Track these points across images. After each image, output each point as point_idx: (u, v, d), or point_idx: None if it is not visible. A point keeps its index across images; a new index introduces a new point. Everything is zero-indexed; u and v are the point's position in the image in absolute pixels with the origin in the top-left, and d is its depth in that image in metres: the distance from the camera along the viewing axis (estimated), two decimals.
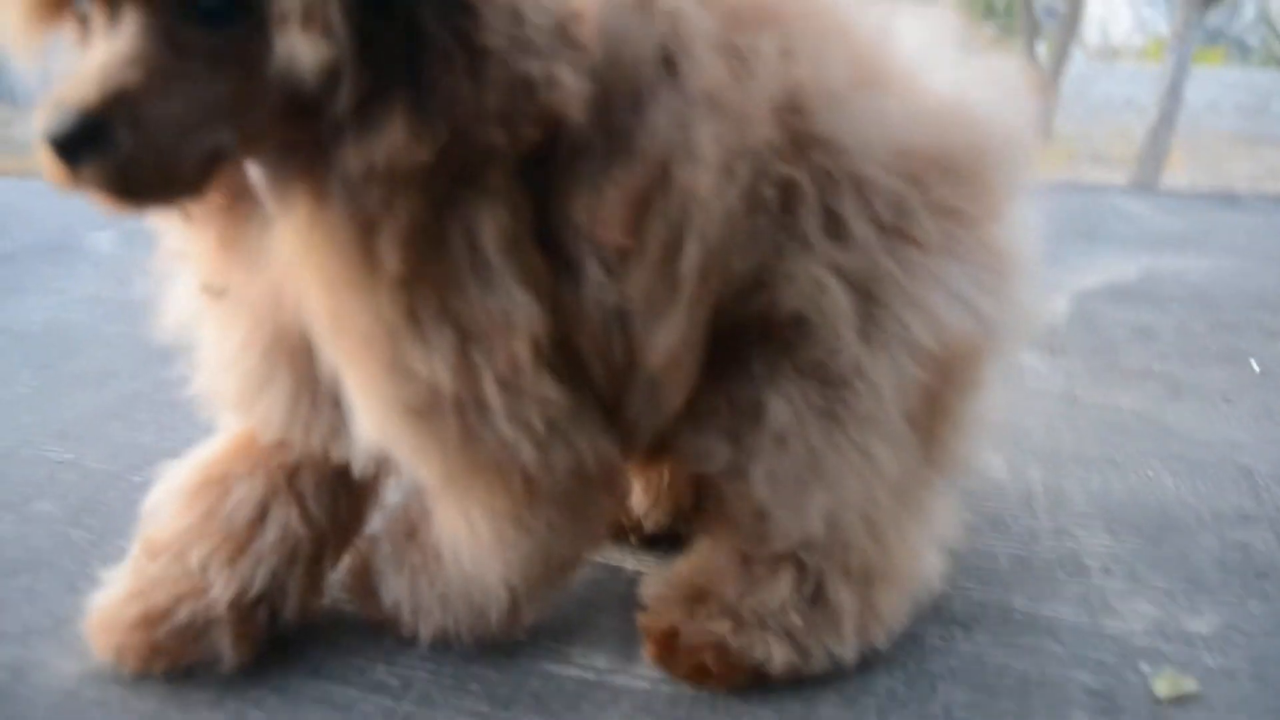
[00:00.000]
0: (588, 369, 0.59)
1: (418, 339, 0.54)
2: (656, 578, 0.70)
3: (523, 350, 0.54)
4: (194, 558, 0.64)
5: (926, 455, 0.62)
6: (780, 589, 0.63)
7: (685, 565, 0.68)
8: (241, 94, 0.47)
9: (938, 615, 0.72)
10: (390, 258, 0.51)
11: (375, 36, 0.46)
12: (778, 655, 0.63)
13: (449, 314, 0.54)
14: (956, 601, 0.74)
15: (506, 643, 0.68)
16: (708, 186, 0.54)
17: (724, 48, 0.54)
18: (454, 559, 0.64)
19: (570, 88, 0.51)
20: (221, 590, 0.63)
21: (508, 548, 0.62)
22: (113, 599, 0.65)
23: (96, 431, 1.05)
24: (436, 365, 0.54)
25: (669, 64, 0.54)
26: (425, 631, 0.67)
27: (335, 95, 0.46)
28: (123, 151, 0.45)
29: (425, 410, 0.56)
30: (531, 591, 0.65)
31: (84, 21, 0.49)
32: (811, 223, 0.56)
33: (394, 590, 0.67)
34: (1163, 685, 0.67)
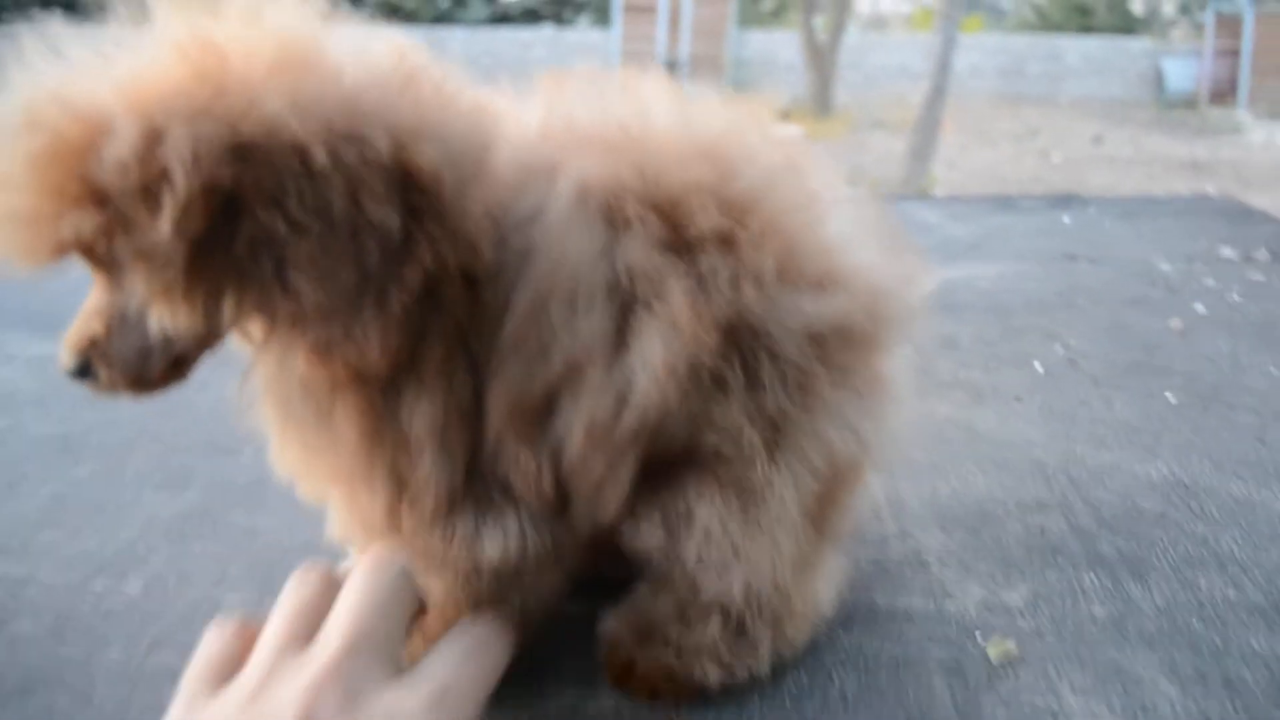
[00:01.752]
0: (516, 493, 0.74)
1: (366, 485, 0.71)
2: (610, 621, 0.86)
3: (431, 504, 0.71)
4: None
5: (820, 534, 0.81)
6: (711, 629, 0.80)
7: (631, 610, 0.85)
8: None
9: (822, 619, 0.92)
10: (346, 430, 0.68)
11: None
12: (712, 675, 0.81)
13: (391, 471, 0.70)
14: (835, 606, 0.93)
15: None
16: (647, 389, 0.68)
17: (690, 274, 0.68)
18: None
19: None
20: None
21: (456, 601, 0.77)
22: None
23: (33, 543, 1.08)
24: (375, 506, 0.72)
25: (612, 292, 0.67)
26: None
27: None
28: (103, 380, 0.65)
29: (370, 529, 0.75)
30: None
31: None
32: (735, 385, 0.71)
33: None
34: (993, 651, 0.89)
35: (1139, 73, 17.07)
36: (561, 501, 0.75)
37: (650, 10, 16.51)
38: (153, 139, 0.55)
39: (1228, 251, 2.17)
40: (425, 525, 0.72)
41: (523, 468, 0.71)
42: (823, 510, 0.80)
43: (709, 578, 0.78)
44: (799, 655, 0.87)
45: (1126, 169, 10.19)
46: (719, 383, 0.72)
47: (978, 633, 0.91)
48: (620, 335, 0.68)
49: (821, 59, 14.22)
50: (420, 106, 0.64)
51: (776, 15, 21.90)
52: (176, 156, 0.54)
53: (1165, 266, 2.02)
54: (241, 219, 0.57)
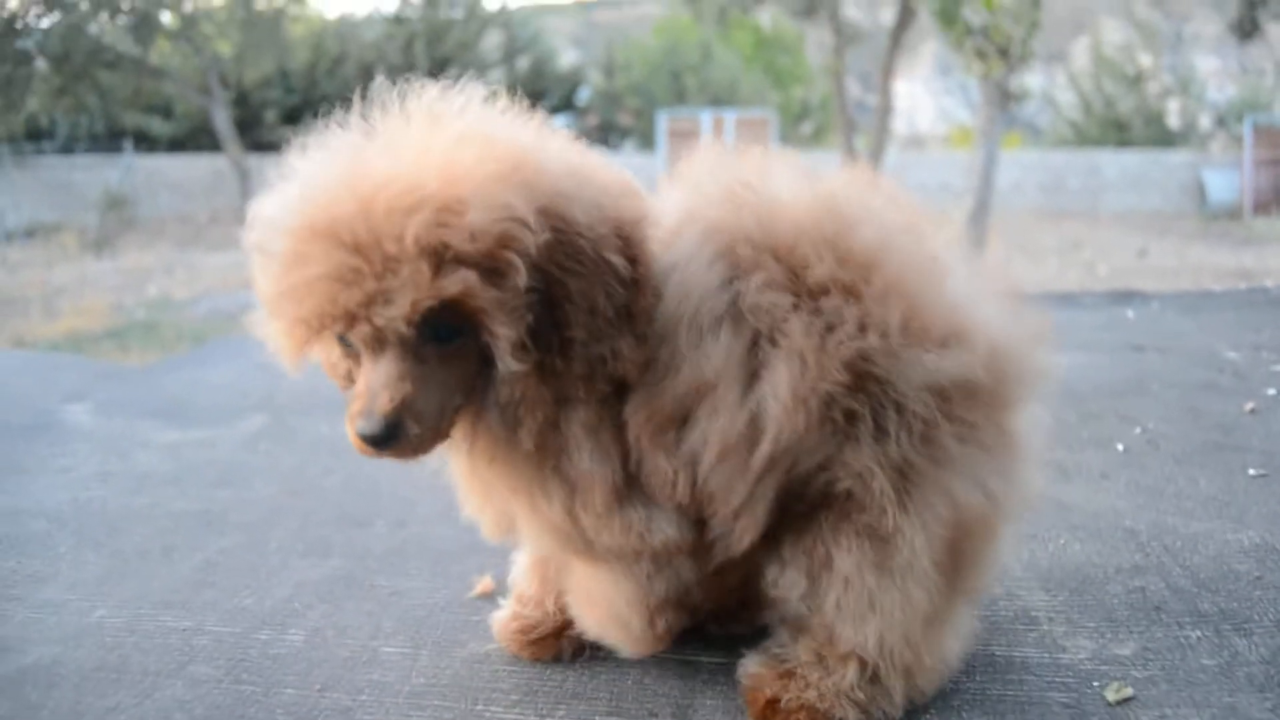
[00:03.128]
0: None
1: (543, 491, 0.82)
2: (751, 663, 0.92)
3: (602, 499, 0.82)
4: (546, 602, 1.02)
5: (951, 588, 0.86)
6: (849, 676, 0.87)
7: (771, 653, 0.92)
8: (461, 375, 0.76)
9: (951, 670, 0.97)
10: (526, 438, 0.79)
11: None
12: (851, 715, 0.88)
13: (560, 473, 0.82)
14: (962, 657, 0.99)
15: None
16: (779, 411, 0.78)
17: (814, 313, 0.79)
18: (599, 596, 0.92)
19: (629, 358, 0.78)
20: (558, 619, 1.01)
21: (621, 587, 0.90)
22: (504, 620, 1.04)
23: (195, 600, 1.18)
24: (552, 508, 0.82)
25: (735, 321, 0.80)
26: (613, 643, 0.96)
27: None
28: (413, 437, 0.74)
29: (556, 533, 0.85)
30: (653, 614, 0.92)
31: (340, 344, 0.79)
32: (864, 430, 0.81)
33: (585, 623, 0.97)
34: (1110, 693, 0.94)
35: (1179, 184, 17.20)
36: (698, 522, 0.85)
37: (693, 135, 17.11)
38: (503, 211, 0.70)
39: None
40: (600, 518, 0.82)
41: (659, 473, 0.82)
42: (953, 562, 0.86)
43: (846, 628, 0.85)
44: (929, 699, 0.93)
45: (1174, 279, 10.18)
46: (850, 423, 0.80)
47: (1094, 680, 0.96)
48: (751, 366, 0.80)
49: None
50: (604, 182, 0.79)
51: (815, 137, 22.54)
52: (522, 224, 0.70)
53: (1231, 354, 2.08)
54: (540, 273, 0.73)
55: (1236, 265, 11.01)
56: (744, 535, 0.85)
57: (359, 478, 1.55)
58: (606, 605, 0.92)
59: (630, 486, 0.83)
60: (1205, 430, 1.65)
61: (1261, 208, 15.60)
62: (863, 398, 0.80)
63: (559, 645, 1.01)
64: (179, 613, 1.15)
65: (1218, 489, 1.42)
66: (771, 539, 0.87)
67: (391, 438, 0.73)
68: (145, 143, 16.49)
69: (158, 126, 16.95)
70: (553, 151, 0.77)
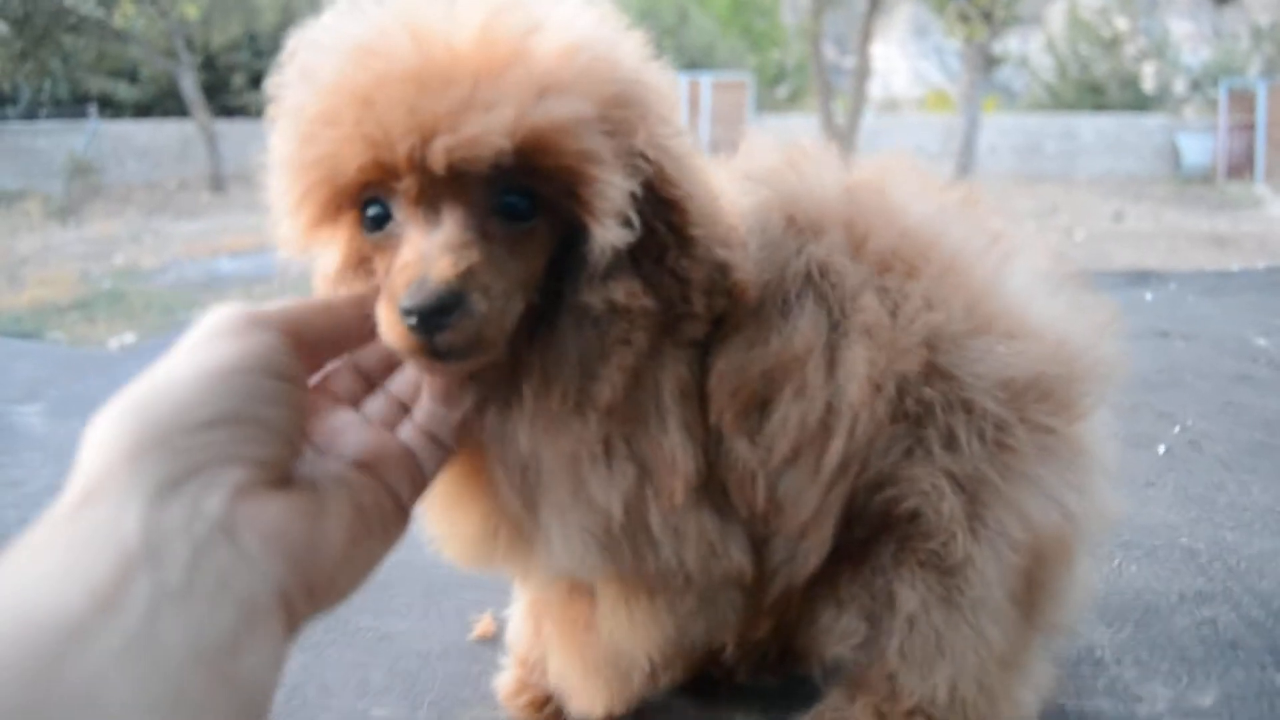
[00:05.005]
0: (735, 503, 0.72)
1: (604, 469, 0.66)
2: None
3: (681, 489, 0.67)
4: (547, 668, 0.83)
5: (1028, 624, 0.76)
6: None
7: (825, 711, 0.80)
8: (526, 274, 0.60)
9: None
10: (605, 389, 0.63)
11: None
12: None
13: (633, 448, 0.66)
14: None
15: None
16: (856, 397, 0.68)
17: (880, 290, 0.70)
18: (607, 635, 0.77)
19: (751, 272, 0.66)
20: None
21: (653, 627, 0.75)
22: (510, 690, 0.89)
23: None
24: (612, 496, 0.66)
25: (817, 290, 0.69)
26: (582, 699, 0.80)
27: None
28: (479, 314, 0.56)
29: (602, 536, 0.68)
30: (668, 662, 0.78)
31: (357, 224, 0.62)
32: (933, 436, 0.71)
33: (556, 665, 0.81)
34: None
35: (1154, 149, 17.21)
36: (763, 539, 0.73)
37: None
38: (620, 69, 0.61)
39: None
40: (672, 517, 0.68)
41: (740, 466, 0.69)
42: (1030, 595, 0.75)
43: (911, 677, 0.73)
44: None
45: (1150, 243, 10.21)
46: (920, 424, 0.70)
47: None
48: (831, 347, 0.69)
49: (840, 141, 14.43)
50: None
51: (792, 100, 22.36)
52: (641, 86, 0.61)
53: (1261, 341, 1.99)
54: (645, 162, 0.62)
55: (1211, 230, 11.04)
56: (809, 559, 0.73)
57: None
58: (606, 647, 0.78)
59: (706, 491, 0.70)
60: (1249, 428, 1.55)
61: (1235, 172, 15.67)
62: (931, 404, 0.70)
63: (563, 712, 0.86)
64: None
65: (1273, 498, 1.32)
66: (824, 575, 0.76)
67: (452, 310, 0.55)
68: (111, 108, 16.13)
69: (123, 91, 16.58)
70: None
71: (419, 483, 0.64)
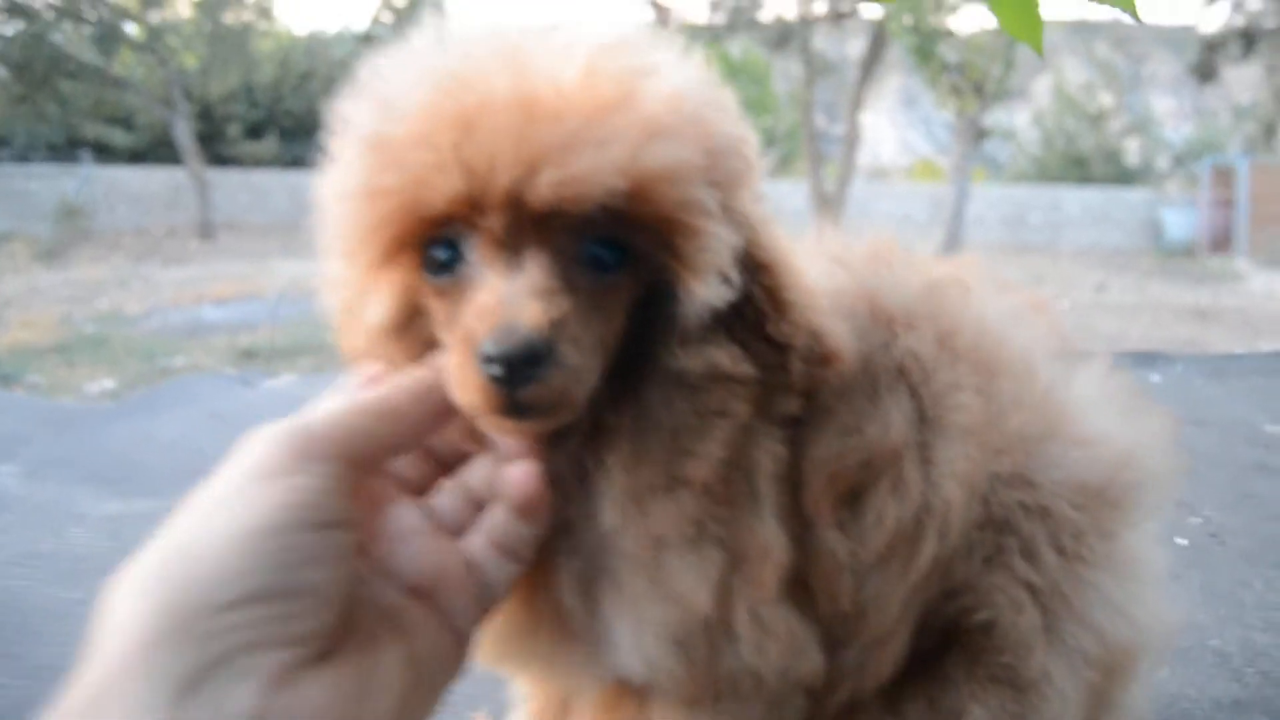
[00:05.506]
0: (816, 602, 0.66)
1: (692, 555, 0.59)
2: None
3: (772, 580, 0.61)
4: None
5: None
6: None
7: None
8: (609, 328, 0.55)
9: None
10: (701, 465, 0.57)
11: None
12: None
13: (724, 534, 0.59)
14: None
15: None
16: (952, 497, 0.64)
17: (977, 390, 0.66)
18: None
19: (847, 339, 0.61)
20: None
21: None
22: None
23: None
24: (699, 585, 0.59)
25: (910, 384, 0.66)
26: None
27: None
28: (569, 367, 0.50)
29: (679, 632, 0.60)
30: None
31: (418, 268, 0.56)
32: (1013, 544, 0.67)
33: None
34: None
35: (1138, 222, 17.46)
36: (836, 642, 0.67)
37: None
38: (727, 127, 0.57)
39: None
40: (760, 609, 0.61)
41: (829, 560, 0.63)
42: (1096, 712, 0.71)
43: None
44: None
45: (1133, 315, 10.28)
46: (1002, 531, 0.67)
47: None
48: (923, 444, 0.65)
49: (829, 207, 14.58)
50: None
51: (783, 166, 22.61)
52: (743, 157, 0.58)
53: (1272, 429, 1.95)
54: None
55: (1194, 303, 11.15)
56: (882, 668, 0.68)
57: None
58: None
59: (791, 586, 0.63)
60: (1269, 522, 1.51)
61: (1217, 246, 15.89)
62: (1014, 497, 0.67)
63: None
64: None
65: None
66: (886, 690, 0.71)
67: (541, 360, 0.49)
68: (105, 154, 16.17)
69: (118, 138, 16.65)
70: None
71: (483, 606, 0.57)
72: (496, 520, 0.58)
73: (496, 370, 0.49)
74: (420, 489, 0.60)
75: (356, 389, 0.57)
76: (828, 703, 0.70)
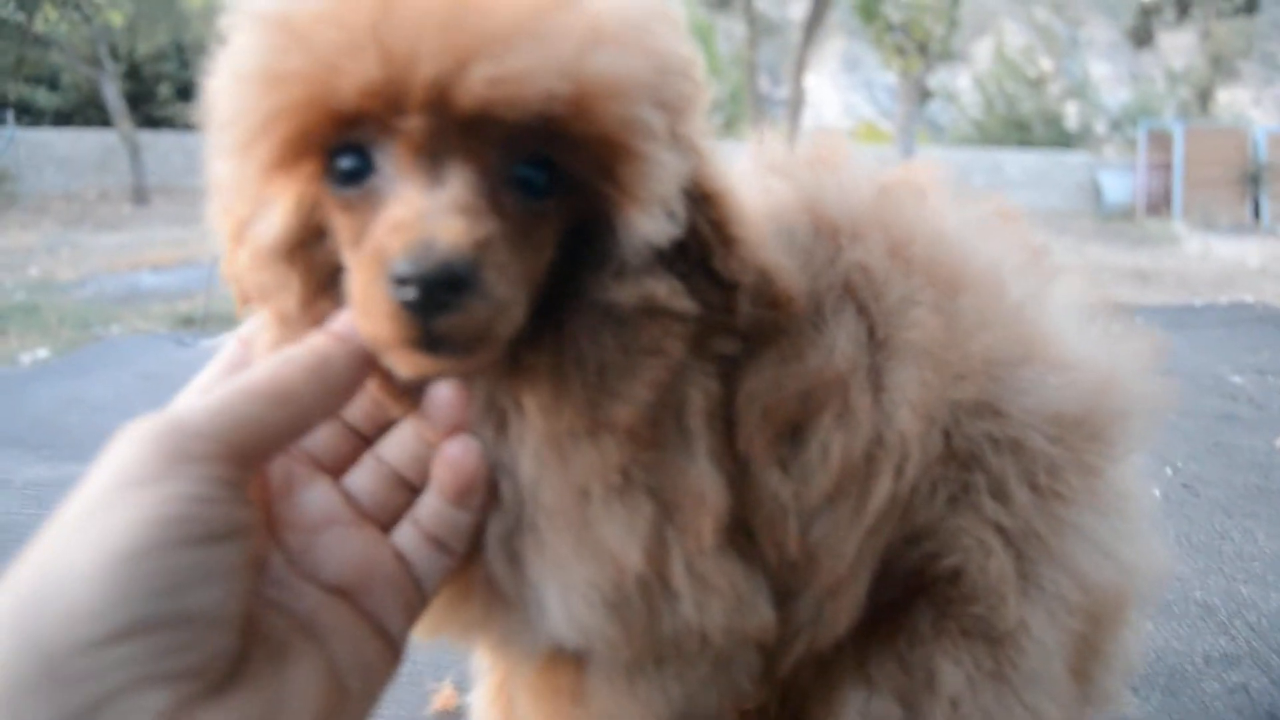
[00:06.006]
0: (761, 550, 0.59)
1: (619, 506, 0.53)
2: None
3: (710, 529, 0.54)
4: None
5: (1084, 699, 0.66)
6: None
7: None
8: (537, 259, 0.48)
9: None
10: (627, 407, 0.51)
11: None
12: None
13: (653, 481, 0.53)
14: None
15: None
16: (907, 427, 0.57)
17: (935, 306, 0.59)
18: (601, 711, 0.61)
19: (798, 278, 0.55)
20: None
21: (659, 700, 0.60)
22: None
23: None
24: (629, 540, 0.53)
25: (858, 301, 0.59)
26: None
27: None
28: (494, 297, 0.43)
29: (611, 593, 0.54)
30: None
31: (319, 177, 0.48)
32: (981, 482, 0.61)
33: None
34: None
35: (1077, 185, 17.69)
36: (787, 593, 0.61)
37: None
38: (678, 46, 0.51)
39: None
40: (699, 562, 0.55)
41: (770, 502, 0.57)
42: (1086, 663, 0.65)
43: None
44: None
45: (1074, 277, 10.42)
46: (965, 470, 0.60)
47: None
48: (875, 368, 0.58)
49: None
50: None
51: (726, 128, 22.56)
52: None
53: (1236, 379, 1.95)
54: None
55: (1133, 265, 11.34)
56: (838, 620, 0.62)
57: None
58: None
59: (733, 535, 0.57)
60: (1242, 472, 1.50)
61: (1153, 209, 16.17)
62: (981, 429, 0.60)
63: None
64: None
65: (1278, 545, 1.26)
66: (849, 647, 0.65)
67: (462, 286, 0.42)
68: (29, 115, 15.51)
69: (43, 98, 15.98)
70: None
71: (414, 606, 0.51)
72: (429, 507, 0.52)
73: (410, 294, 0.42)
74: (337, 466, 0.53)
75: (234, 363, 0.50)
76: (783, 659, 0.64)
